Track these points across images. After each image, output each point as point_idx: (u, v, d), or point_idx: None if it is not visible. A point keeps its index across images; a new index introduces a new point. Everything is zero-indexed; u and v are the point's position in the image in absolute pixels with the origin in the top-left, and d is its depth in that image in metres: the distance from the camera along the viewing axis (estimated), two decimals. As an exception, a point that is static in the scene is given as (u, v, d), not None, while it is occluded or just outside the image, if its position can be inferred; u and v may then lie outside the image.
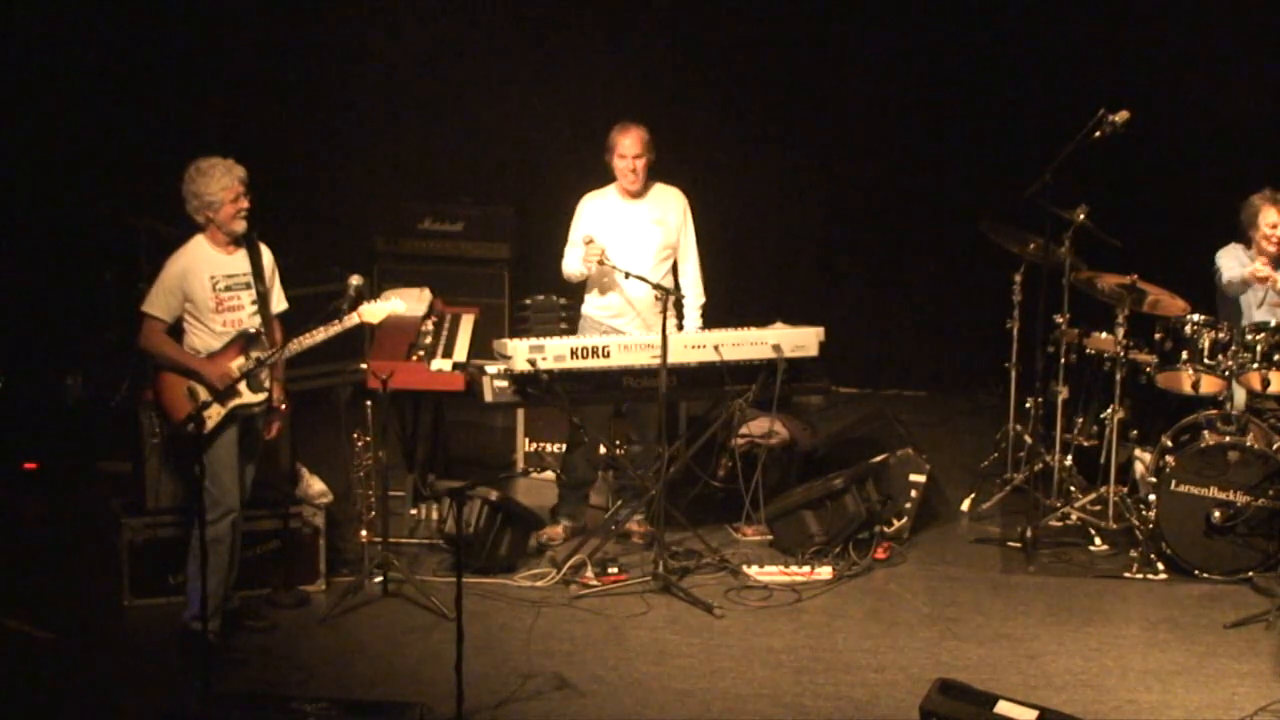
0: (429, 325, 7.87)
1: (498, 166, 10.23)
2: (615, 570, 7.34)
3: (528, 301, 9.27)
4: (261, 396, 6.48)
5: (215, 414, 6.36)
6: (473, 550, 7.29)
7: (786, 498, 7.84)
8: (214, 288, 6.39)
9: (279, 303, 6.65)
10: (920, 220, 10.53)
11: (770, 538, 7.84)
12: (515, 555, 7.51)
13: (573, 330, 8.27)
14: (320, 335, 6.49)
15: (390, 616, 6.91)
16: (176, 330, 6.46)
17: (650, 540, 7.58)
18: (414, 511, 8.05)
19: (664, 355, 7.23)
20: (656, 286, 7.34)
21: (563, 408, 7.47)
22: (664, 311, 7.25)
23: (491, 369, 7.39)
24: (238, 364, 6.40)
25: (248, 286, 6.45)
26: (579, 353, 7.37)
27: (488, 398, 7.44)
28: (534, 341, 7.36)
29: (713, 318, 7.88)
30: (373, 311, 6.60)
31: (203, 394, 6.33)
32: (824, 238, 10.71)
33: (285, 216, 9.69)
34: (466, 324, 8.07)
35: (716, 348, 7.49)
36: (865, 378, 10.73)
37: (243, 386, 6.39)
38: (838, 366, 8.98)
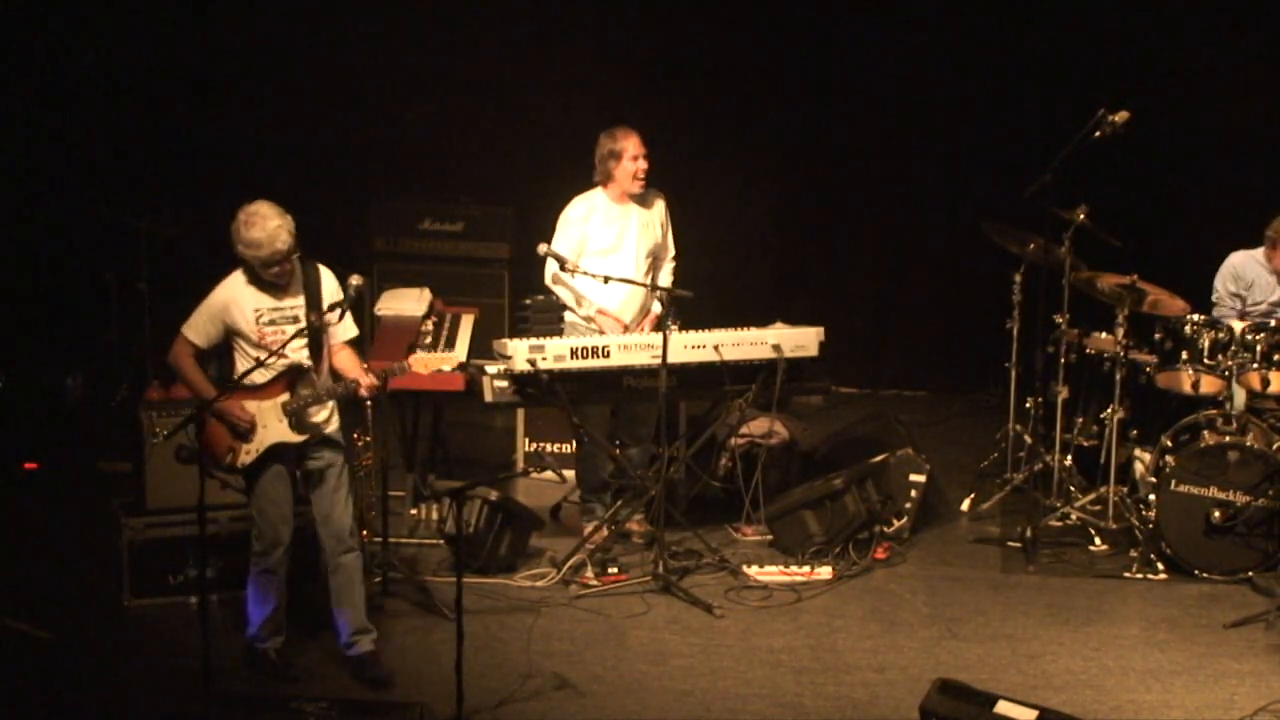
0: (429, 325, 7.87)
1: (498, 166, 10.23)
2: (615, 570, 7.34)
3: (528, 301, 9.26)
4: (303, 437, 6.26)
5: (251, 450, 6.21)
6: (473, 550, 7.29)
7: (786, 498, 7.84)
8: (257, 321, 6.19)
9: (347, 330, 6.39)
10: (920, 220, 10.54)
11: (770, 538, 7.84)
12: (515, 555, 7.51)
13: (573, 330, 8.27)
14: (354, 387, 6.30)
15: (390, 616, 6.91)
16: (226, 351, 6.32)
17: (650, 540, 7.58)
18: (414, 511, 8.05)
19: (664, 355, 7.24)
20: (655, 287, 7.33)
21: (563, 408, 7.47)
22: (664, 311, 7.25)
23: (491, 369, 7.39)
24: (282, 400, 6.22)
25: (295, 320, 6.22)
26: (579, 353, 7.37)
27: (488, 398, 7.44)
28: (534, 341, 7.37)
29: (713, 318, 7.88)
30: (423, 362, 6.41)
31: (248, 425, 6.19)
32: (824, 238, 10.71)
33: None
34: (466, 324, 8.07)
35: (716, 348, 7.49)
36: (865, 378, 10.74)
37: (283, 424, 6.22)
38: (838, 366, 8.99)
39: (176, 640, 6.59)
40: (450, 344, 7.80)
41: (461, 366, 7.72)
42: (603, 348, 7.40)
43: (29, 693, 6.22)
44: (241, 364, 6.24)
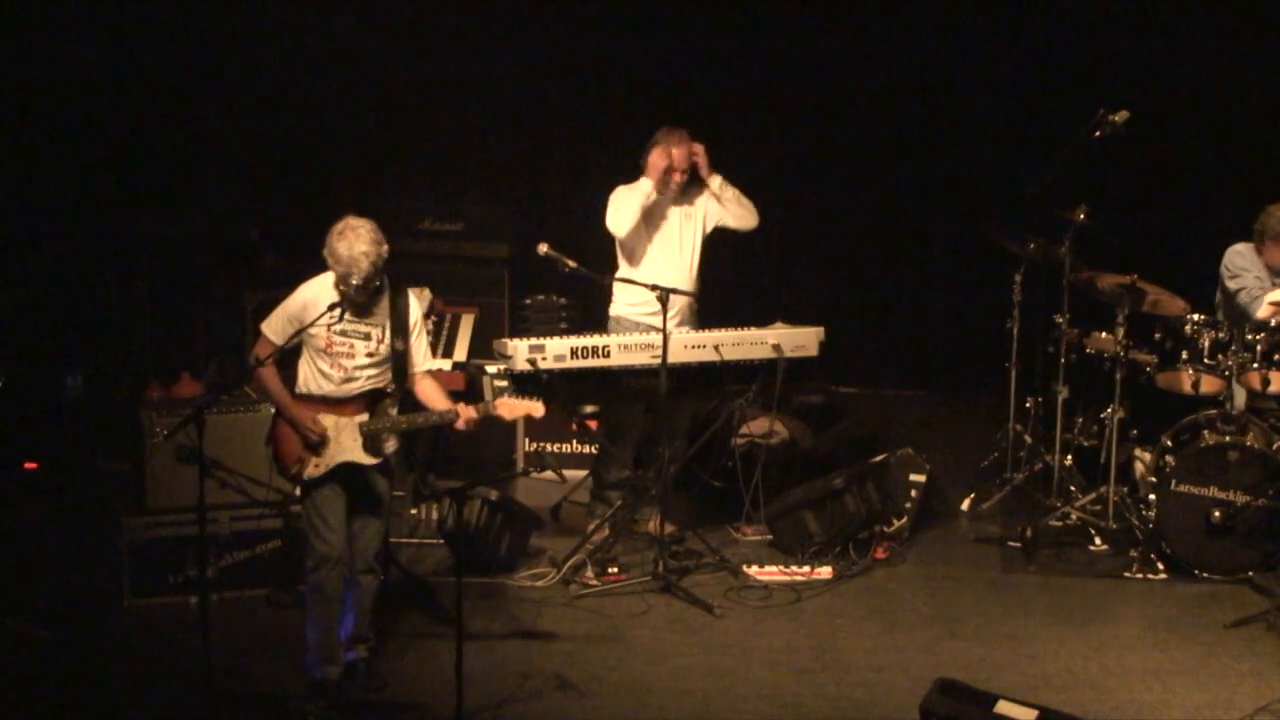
0: (429, 325, 7.86)
1: (498, 166, 10.23)
2: (615, 570, 7.35)
3: (528, 301, 9.27)
4: (375, 460, 6.17)
5: (320, 465, 6.11)
6: (473, 550, 7.29)
7: (786, 498, 7.84)
8: (329, 328, 6.08)
9: (425, 359, 6.30)
10: (920, 220, 10.52)
11: (770, 538, 7.84)
12: (515, 555, 7.51)
13: (573, 330, 8.28)
14: (435, 420, 6.22)
15: (390, 616, 6.91)
16: (292, 357, 6.22)
17: (651, 539, 7.58)
18: (414, 511, 8.05)
19: (664, 355, 7.24)
20: (654, 287, 7.33)
21: (563, 407, 7.47)
22: (664, 310, 7.25)
23: (491, 369, 7.40)
24: (360, 420, 6.13)
25: (366, 338, 6.14)
26: (579, 352, 7.37)
27: (488, 397, 7.44)
28: (534, 341, 7.37)
29: (713, 318, 7.89)
30: (509, 407, 6.26)
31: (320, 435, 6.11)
32: (824, 238, 10.70)
33: (286, 217, 9.73)
34: (466, 324, 8.07)
35: (716, 348, 7.50)
36: (865, 378, 10.73)
37: (357, 445, 6.13)
38: (838, 366, 8.98)
39: (176, 640, 6.60)
40: (450, 344, 7.80)
41: (461, 366, 7.74)
42: (603, 347, 7.40)
43: (29, 693, 6.22)
44: (305, 372, 6.16)
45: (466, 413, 6.22)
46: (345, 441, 6.12)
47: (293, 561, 7.06)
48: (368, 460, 6.16)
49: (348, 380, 6.15)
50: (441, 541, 7.65)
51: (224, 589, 7.00)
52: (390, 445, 6.22)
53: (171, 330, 9.59)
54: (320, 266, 6.12)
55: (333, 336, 6.10)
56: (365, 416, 6.15)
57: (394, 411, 6.22)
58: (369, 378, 6.18)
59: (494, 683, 6.24)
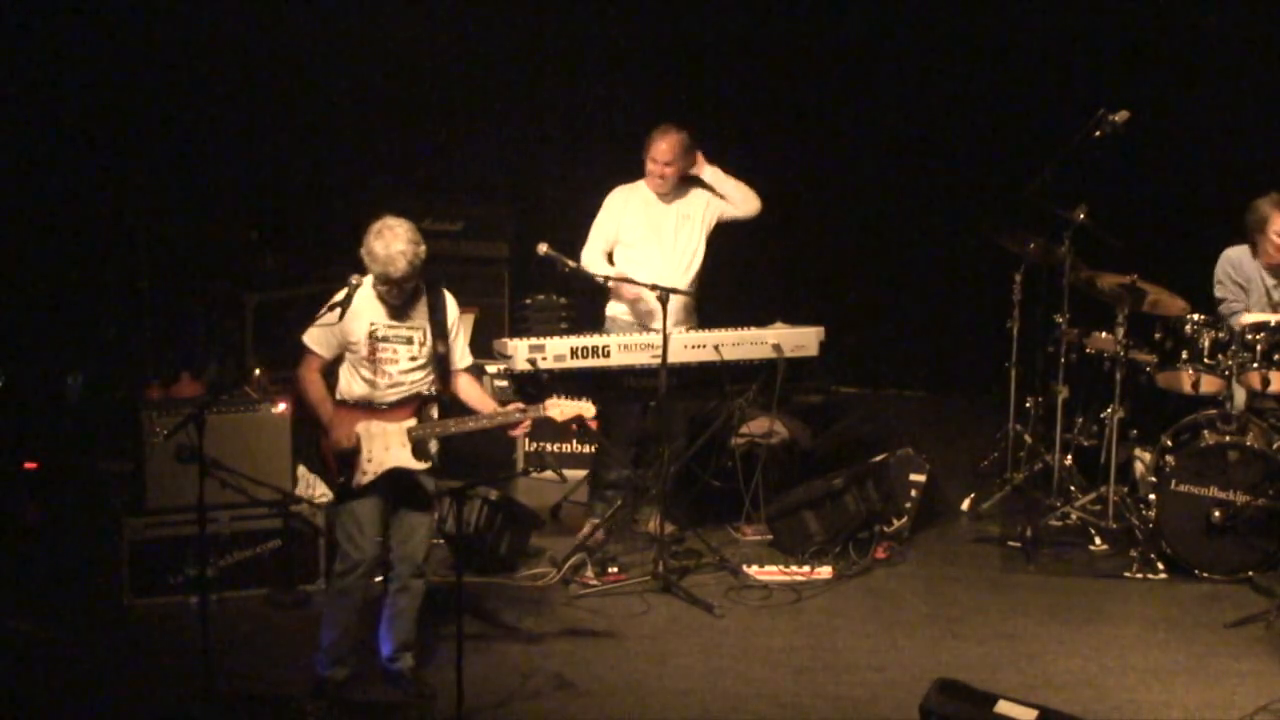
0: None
1: (498, 166, 10.23)
2: (615, 570, 7.35)
3: (528, 301, 9.27)
4: (425, 465, 6.13)
5: (369, 472, 6.06)
6: (473, 550, 7.29)
7: (786, 498, 7.84)
8: (371, 335, 6.05)
9: (463, 357, 6.29)
10: (920, 220, 10.53)
11: (770, 538, 7.84)
12: (515, 555, 7.51)
13: (573, 330, 8.27)
14: (485, 423, 6.22)
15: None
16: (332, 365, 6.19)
17: (651, 539, 7.57)
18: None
19: (664, 355, 7.23)
20: (653, 287, 7.33)
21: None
22: (664, 311, 7.24)
23: (491, 369, 7.40)
24: (409, 425, 6.08)
25: (408, 341, 6.08)
26: (579, 352, 7.37)
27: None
28: (534, 341, 7.37)
29: (713, 318, 7.89)
30: (560, 409, 6.30)
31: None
32: (824, 238, 10.70)
33: (286, 217, 9.73)
34: (466, 324, 8.06)
35: (716, 347, 7.50)
36: (865, 378, 10.73)
37: (406, 450, 6.08)
38: (838, 366, 8.98)
39: (176, 640, 6.60)
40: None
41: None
42: (603, 347, 7.40)
43: (29, 693, 6.22)
44: (347, 378, 6.13)
45: (527, 421, 6.24)
46: (394, 446, 6.08)
47: (293, 561, 7.07)
48: (417, 465, 6.12)
49: (393, 386, 6.11)
50: (441, 541, 7.64)
51: (224, 589, 7.00)
52: (433, 446, 6.20)
53: (171, 330, 9.59)
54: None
55: (376, 343, 6.07)
56: (413, 421, 6.11)
57: (435, 414, 6.19)
58: (414, 382, 6.14)
59: (494, 683, 6.24)
